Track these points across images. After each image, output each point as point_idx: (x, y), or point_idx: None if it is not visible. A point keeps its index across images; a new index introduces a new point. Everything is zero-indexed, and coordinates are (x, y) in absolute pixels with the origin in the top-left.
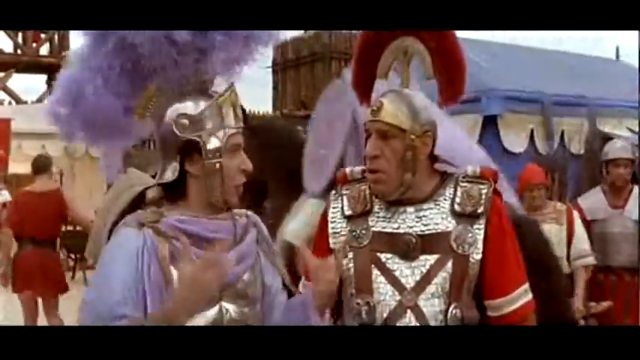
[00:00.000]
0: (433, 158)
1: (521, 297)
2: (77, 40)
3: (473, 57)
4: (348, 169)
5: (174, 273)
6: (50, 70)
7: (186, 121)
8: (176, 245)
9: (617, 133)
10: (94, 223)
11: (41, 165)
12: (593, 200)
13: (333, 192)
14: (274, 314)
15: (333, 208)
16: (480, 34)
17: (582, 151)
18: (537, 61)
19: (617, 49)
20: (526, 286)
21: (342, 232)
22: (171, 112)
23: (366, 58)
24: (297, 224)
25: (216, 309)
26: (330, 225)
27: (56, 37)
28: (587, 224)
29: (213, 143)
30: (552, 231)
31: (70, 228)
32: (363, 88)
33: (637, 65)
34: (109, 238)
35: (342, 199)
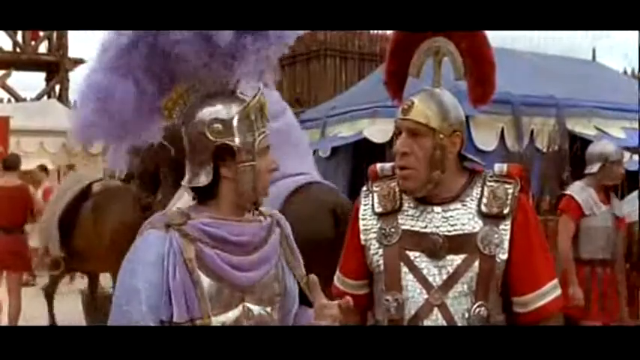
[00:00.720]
0: (461, 157)
1: (551, 292)
2: (75, 38)
3: None
4: (378, 166)
5: (201, 275)
6: (48, 67)
7: (219, 126)
8: (202, 248)
9: (586, 132)
10: (44, 215)
11: (11, 163)
12: (586, 196)
13: (364, 188)
14: (291, 316)
15: (364, 205)
16: None
17: (550, 149)
18: (509, 63)
19: (594, 51)
20: (555, 281)
21: (373, 229)
22: (203, 116)
23: (399, 56)
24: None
25: (239, 309)
26: (360, 222)
27: (54, 35)
28: (578, 218)
29: (245, 147)
30: None
31: None
32: (395, 85)
33: (612, 66)
34: (58, 228)
35: (372, 196)
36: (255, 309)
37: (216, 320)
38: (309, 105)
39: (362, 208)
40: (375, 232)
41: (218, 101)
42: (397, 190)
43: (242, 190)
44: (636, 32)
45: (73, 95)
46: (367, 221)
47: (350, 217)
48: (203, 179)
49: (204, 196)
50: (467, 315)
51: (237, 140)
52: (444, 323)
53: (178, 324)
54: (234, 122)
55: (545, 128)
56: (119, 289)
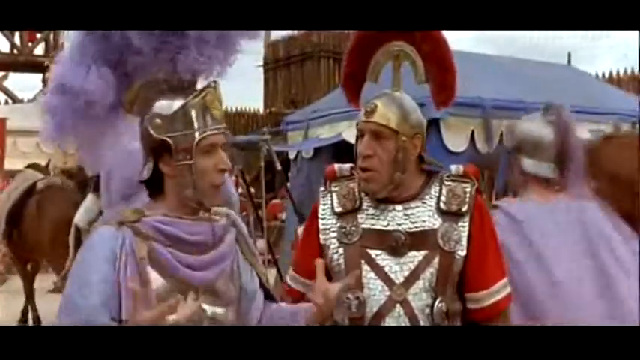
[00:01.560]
0: (421, 159)
1: (501, 290)
2: (69, 39)
3: None
4: (336, 166)
5: (152, 273)
6: (45, 69)
7: (159, 121)
8: (154, 246)
9: None
10: None
11: None
12: None
13: (322, 189)
14: (251, 315)
15: (323, 204)
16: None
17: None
18: (483, 67)
19: (569, 55)
20: (505, 280)
21: (332, 229)
22: (151, 110)
23: (357, 60)
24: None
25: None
26: (320, 221)
27: (52, 37)
28: None
29: (182, 145)
30: None
31: None
32: (353, 89)
33: (587, 70)
34: (6, 223)
35: (331, 196)
36: (209, 309)
37: (168, 319)
38: (304, 105)
39: (321, 207)
40: (334, 232)
41: (168, 96)
42: (357, 190)
43: (181, 189)
44: (636, 32)
45: None
46: (326, 221)
47: (306, 217)
48: (144, 174)
49: (153, 192)
50: (428, 310)
51: (173, 137)
52: (406, 319)
53: (126, 321)
54: (173, 118)
55: None
56: (72, 281)
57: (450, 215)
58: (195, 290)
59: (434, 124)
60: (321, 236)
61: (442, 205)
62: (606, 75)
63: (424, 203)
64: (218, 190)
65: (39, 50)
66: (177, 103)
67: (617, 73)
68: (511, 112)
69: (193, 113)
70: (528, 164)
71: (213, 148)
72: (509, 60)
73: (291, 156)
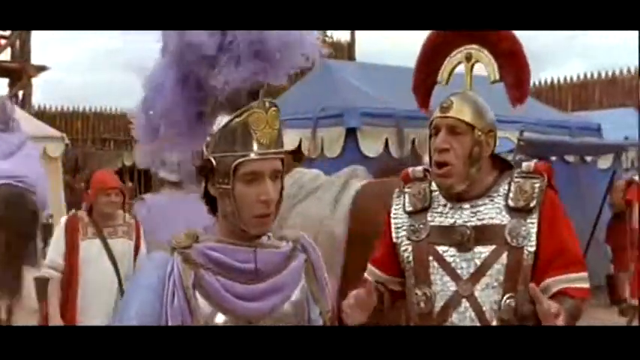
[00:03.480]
0: (493, 156)
1: (579, 281)
2: (38, 46)
3: (347, 77)
4: (410, 169)
5: (200, 300)
6: (12, 74)
7: (208, 139)
8: (203, 274)
9: None
10: None
11: None
12: None
13: (397, 190)
14: None
15: (396, 205)
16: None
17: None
18: (399, 79)
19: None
20: (584, 275)
21: (403, 227)
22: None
23: (428, 64)
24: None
25: None
26: (392, 220)
27: (17, 42)
28: None
29: (222, 168)
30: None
31: None
32: (424, 92)
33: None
34: None
35: (404, 197)
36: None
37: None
38: None
39: (394, 208)
40: (404, 230)
41: (227, 112)
42: (428, 190)
43: (225, 214)
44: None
45: (36, 101)
46: (398, 220)
47: None
48: (199, 193)
49: (213, 210)
50: (496, 307)
51: (215, 157)
52: (473, 314)
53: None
54: (216, 137)
55: (426, 138)
56: (118, 311)
57: (518, 211)
58: (247, 323)
59: (352, 132)
60: (393, 234)
61: (510, 202)
62: (574, 79)
63: (492, 200)
64: (264, 220)
65: (5, 56)
66: (224, 121)
67: (585, 75)
68: (422, 122)
69: (234, 135)
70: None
71: (256, 176)
72: None
73: None
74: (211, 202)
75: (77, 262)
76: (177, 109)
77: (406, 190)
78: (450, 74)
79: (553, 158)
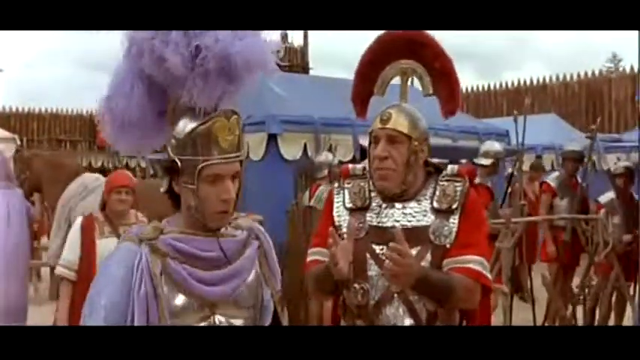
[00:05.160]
0: (425, 163)
1: (474, 263)
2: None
3: (272, 86)
4: (350, 165)
5: (165, 288)
6: None
7: (173, 141)
8: (169, 262)
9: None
10: None
11: None
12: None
13: (336, 185)
14: (264, 323)
15: (337, 200)
16: None
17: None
18: (318, 88)
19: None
20: (481, 259)
21: (344, 224)
22: (174, 130)
23: (366, 75)
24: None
25: (209, 322)
26: (335, 216)
27: None
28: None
29: (188, 169)
30: None
31: None
32: (361, 102)
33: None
34: None
35: (344, 193)
36: (225, 320)
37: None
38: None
39: (335, 203)
40: (346, 226)
41: (189, 116)
42: (367, 189)
43: (188, 210)
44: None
45: None
46: (340, 216)
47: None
48: (163, 187)
49: (176, 205)
50: (422, 300)
51: (181, 159)
52: (405, 308)
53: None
54: (184, 141)
55: (342, 142)
56: (88, 298)
57: (442, 212)
58: (211, 305)
59: (273, 137)
60: (337, 227)
61: (435, 204)
62: (534, 82)
63: (419, 203)
64: (223, 215)
65: None
66: (189, 127)
67: (544, 79)
68: (338, 128)
69: (199, 140)
70: None
71: (218, 177)
72: (340, 81)
73: None
74: (174, 197)
75: (95, 261)
76: (140, 109)
77: (346, 186)
78: (386, 86)
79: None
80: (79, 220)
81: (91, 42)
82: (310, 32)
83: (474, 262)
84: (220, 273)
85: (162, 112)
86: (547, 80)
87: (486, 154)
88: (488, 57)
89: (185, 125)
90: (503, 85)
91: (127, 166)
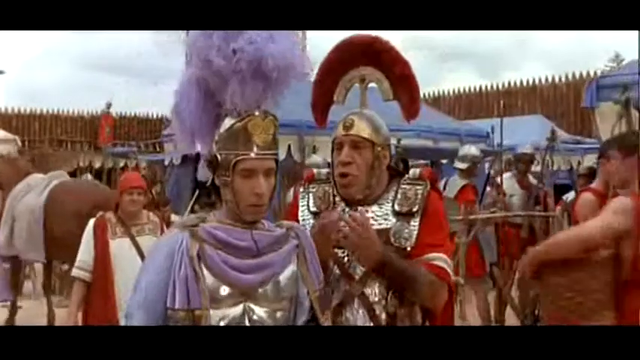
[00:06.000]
0: (388, 167)
1: (439, 260)
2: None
3: None
4: (315, 170)
5: (204, 272)
6: None
7: (217, 137)
8: (206, 248)
9: None
10: None
11: None
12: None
13: (301, 189)
14: (298, 321)
15: (302, 204)
16: None
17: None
18: (299, 93)
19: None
20: (443, 256)
21: (308, 227)
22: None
23: (325, 83)
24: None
25: (240, 308)
26: (300, 219)
27: None
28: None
29: (224, 163)
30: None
31: None
32: (321, 110)
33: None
34: None
35: (308, 197)
36: (257, 310)
37: (216, 314)
38: None
39: (300, 206)
40: (309, 230)
41: (231, 116)
42: (330, 193)
43: (226, 201)
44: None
45: None
46: (305, 219)
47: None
48: (207, 180)
49: (219, 198)
50: (383, 302)
51: (221, 154)
52: (364, 310)
53: (179, 310)
54: (223, 137)
55: (325, 144)
56: (136, 280)
57: (402, 215)
58: (243, 293)
59: None
60: None
61: (396, 207)
62: (530, 82)
63: (381, 206)
64: (257, 209)
65: None
66: (228, 124)
67: (540, 80)
68: (321, 130)
69: (235, 137)
70: None
71: (252, 172)
72: None
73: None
74: (218, 191)
75: (110, 261)
76: (197, 114)
77: (310, 189)
78: (346, 94)
79: (423, 162)
80: (91, 222)
81: (91, 42)
82: (308, 36)
83: (439, 259)
84: (251, 262)
85: (219, 117)
86: (537, 82)
87: (463, 158)
88: (487, 57)
89: (227, 123)
90: (494, 86)
91: (125, 167)
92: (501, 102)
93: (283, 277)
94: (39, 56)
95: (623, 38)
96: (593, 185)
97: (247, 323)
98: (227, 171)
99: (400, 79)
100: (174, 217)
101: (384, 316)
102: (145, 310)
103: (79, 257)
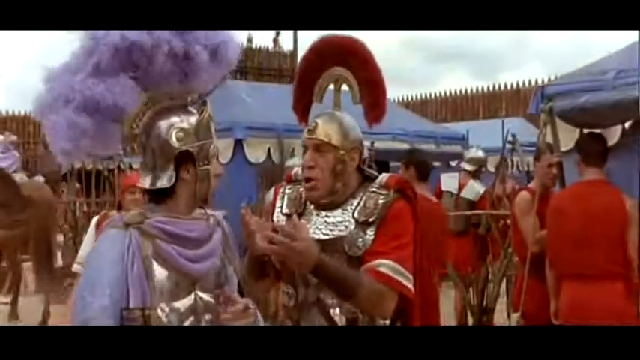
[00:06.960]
0: (360, 171)
1: (384, 267)
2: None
3: (241, 94)
4: (294, 171)
5: (157, 268)
6: None
7: (182, 134)
8: (159, 243)
9: None
10: None
11: None
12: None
13: (281, 190)
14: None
15: (278, 205)
16: None
17: None
18: (277, 97)
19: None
20: (392, 263)
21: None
22: (165, 125)
23: (304, 83)
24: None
25: (192, 297)
26: (275, 219)
27: None
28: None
29: (202, 153)
30: None
31: None
32: (302, 109)
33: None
34: None
35: (284, 199)
36: (204, 296)
37: (172, 307)
38: None
39: (277, 207)
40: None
41: (174, 113)
42: (303, 195)
43: (200, 191)
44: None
45: None
46: (279, 220)
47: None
48: (165, 182)
49: (161, 196)
50: (339, 309)
51: (196, 146)
52: (320, 317)
53: (132, 310)
54: (195, 130)
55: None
56: (85, 282)
57: (361, 224)
58: (193, 282)
59: (239, 143)
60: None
61: (356, 215)
62: (531, 83)
63: (344, 212)
64: (214, 191)
65: None
66: (191, 119)
67: (517, 84)
68: (300, 134)
69: (205, 126)
70: None
71: (214, 156)
72: None
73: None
74: (163, 189)
75: None
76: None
77: (287, 191)
78: (323, 93)
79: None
80: (94, 220)
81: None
82: (300, 37)
83: (385, 265)
84: (199, 252)
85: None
86: (520, 85)
87: (471, 161)
88: (484, 58)
89: (186, 118)
90: (479, 89)
91: (118, 168)
92: (480, 107)
93: (220, 262)
94: (34, 59)
95: (622, 38)
96: (530, 185)
97: (199, 310)
98: (205, 159)
99: (367, 82)
100: None
101: (344, 321)
102: (112, 313)
103: (80, 253)
